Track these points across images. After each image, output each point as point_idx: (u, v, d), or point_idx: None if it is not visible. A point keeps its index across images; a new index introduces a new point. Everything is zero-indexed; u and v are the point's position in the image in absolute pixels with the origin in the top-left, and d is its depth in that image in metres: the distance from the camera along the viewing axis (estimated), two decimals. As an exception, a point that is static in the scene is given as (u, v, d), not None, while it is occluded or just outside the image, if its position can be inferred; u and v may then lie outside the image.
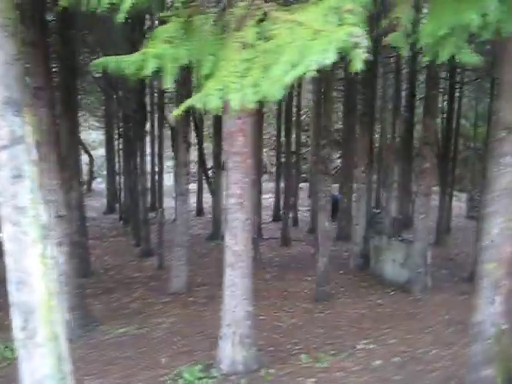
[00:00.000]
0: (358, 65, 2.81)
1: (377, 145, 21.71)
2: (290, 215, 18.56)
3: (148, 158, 21.02)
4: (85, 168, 31.00)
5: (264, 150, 27.64)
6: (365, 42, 2.78)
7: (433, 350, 7.31)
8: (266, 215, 21.83)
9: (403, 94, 18.74)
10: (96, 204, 26.34)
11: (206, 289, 11.13)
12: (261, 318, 9.06)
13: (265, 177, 29.37)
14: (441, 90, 16.01)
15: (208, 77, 3.29)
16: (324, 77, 9.48)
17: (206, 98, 2.97)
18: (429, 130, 9.63)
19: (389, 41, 3.89)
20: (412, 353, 7.24)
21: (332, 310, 9.37)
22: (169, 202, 21.16)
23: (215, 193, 16.50)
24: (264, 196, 24.23)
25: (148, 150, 18.79)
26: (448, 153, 17.09)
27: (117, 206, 23.69)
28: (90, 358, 7.40)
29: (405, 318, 8.84)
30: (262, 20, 3.31)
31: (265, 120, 22.53)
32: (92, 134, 31.90)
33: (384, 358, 7.07)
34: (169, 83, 3.48)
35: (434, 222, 16.25)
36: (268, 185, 27.39)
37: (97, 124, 28.92)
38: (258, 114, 14.76)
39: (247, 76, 2.98)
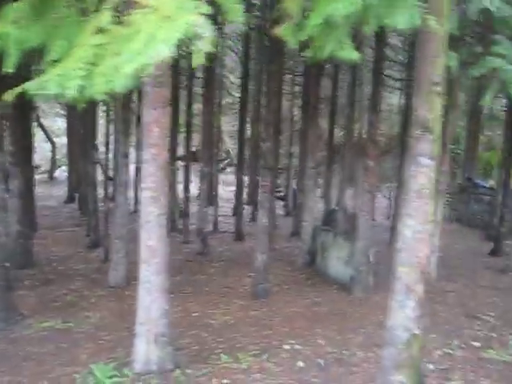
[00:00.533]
0: (198, 58, 2.58)
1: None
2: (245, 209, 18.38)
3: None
4: (48, 156, 30.48)
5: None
6: (209, 32, 2.55)
7: (359, 352, 7.18)
8: (228, 208, 21.64)
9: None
10: (58, 193, 25.85)
11: (148, 282, 10.86)
12: (194, 314, 8.91)
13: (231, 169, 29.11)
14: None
15: (56, 62, 3.05)
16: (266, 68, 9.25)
17: (44, 84, 2.72)
18: (373, 126, 9.47)
19: (278, 33, 3.66)
20: (338, 354, 7.09)
21: (268, 308, 9.18)
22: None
23: (172, 184, 16.17)
24: (230, 188, 24.12)
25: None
26: (405, 151, 16.92)
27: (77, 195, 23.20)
28: (7, 354, 7.09)
29: (340, 318, 8.70)
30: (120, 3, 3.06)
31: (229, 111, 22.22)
32: (57, 122, 31.23)
33: (308, 359, 6.92)
34: (10, 67, 3.21)
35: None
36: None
37: (62, 112, 28.31)
38: (209, 106, 14.46)
39: (98, 63, 2.74)
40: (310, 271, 11.97)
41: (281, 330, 8.10)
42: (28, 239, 11.73)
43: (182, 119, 18.93)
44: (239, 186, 20.07)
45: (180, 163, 24.84)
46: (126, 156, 10.01)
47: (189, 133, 16.74)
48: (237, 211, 19.63)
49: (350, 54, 3.43)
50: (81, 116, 15.90)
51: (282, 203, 22.89)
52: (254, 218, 19.40)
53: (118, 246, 10.24)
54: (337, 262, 10.98)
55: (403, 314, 5.29)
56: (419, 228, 5.11)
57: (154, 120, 5.87)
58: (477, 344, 7.54)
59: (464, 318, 8.81)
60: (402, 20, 3.30)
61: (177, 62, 12.58)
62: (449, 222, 20.85)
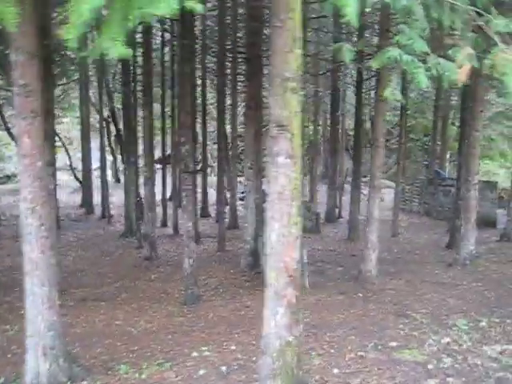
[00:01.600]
0: None
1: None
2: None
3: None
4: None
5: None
6: None
7: (269, 358, 6.95)
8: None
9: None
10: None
11: (85, 290, 10.71)
12: (117, 323, 8.75)
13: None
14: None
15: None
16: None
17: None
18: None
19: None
20: (245, 361, 6.89)
21: (194, 314, 8.99)
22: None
23: (128, 189, 15.96)
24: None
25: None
26: (359, 146, 16.73)
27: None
28: None
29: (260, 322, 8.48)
30: None
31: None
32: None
33: (212, 366, 6.71)
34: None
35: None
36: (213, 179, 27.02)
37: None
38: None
39: None
40: (252, 273, 11.77)
41: (198, 337, 7.92)
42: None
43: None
44: (204, 187, 19.97)
45: (157, 166, 24.79)
46: (51, 164, 9.77)
47: (164, 135, 16.55)
48: (207, 213, 19.56)
49: (121, 51, 3.21)
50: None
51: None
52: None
53: (48, 255, 10.00)
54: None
55: (274, 321, 5.08)
56: (284, 231, 4.91)
57: (24, 130, 5.67)
58: (394, 344, 7.31)
59: (393, 316, 8.58)
60: (163, 6, 3.06)
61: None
62: (418, 215, 20.72)
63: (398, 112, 24.12)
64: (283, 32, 4.64)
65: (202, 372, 6.54)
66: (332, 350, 7.18)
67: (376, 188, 10.53)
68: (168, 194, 19.26)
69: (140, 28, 12.09)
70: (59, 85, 20.56)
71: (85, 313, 9.17)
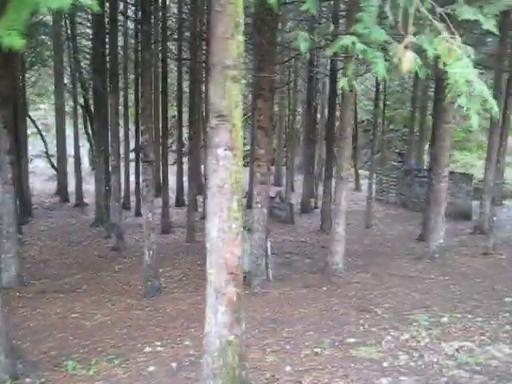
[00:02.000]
0: None
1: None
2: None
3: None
4: None
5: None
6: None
7: (224, 353, 6.78)
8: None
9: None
10: None
11: (46, 282, 10.47)
12: (73, 316, 8.55)
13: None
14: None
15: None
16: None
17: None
18: (262, 113, 9.01)
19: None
20: (198, 357, 6.64)
21: (153, 307, 8.80)
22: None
23: (98, 177, 15.64)
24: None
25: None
26: (332, 136, 16.52)
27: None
28: None
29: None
30: None
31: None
32: None
33: (162, 363, 6.54)
34: None
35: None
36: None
37: None
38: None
39: None
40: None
41: (153, 331, 7.74)
42: None
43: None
44: (180, 176, 19.68)
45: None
46: (8, 153, 9.48)
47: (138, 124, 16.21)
48: (181, 202, 19.28)
49: (13, 41, 2.97)
50: None
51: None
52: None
53: (7, 246, 9.75)
54: (245, 255, 10.56)
55: (215, 319, 4.89)
56: (224, 226, 4.70)
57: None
58: (352, 340, 7.18)
59: (355, 311, 8.46)
60: (56, 1, 2.85)
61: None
62: (395, 206, 20.64)
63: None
64: (223, 17, 4.42)
65: (151, 368, 6.38)
66: (288, 347, 7.04)
67: (343, 179, 10.35)
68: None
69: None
70: (31, 70, 20.21)
71: (42, 305, 8.94)
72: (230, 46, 4.46)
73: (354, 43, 5.26)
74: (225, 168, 4.60)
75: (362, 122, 28.86)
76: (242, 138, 4.69)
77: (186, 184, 17.93)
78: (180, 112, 19.05)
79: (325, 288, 9.75)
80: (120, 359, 6.63)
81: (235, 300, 4.88)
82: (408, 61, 3.96)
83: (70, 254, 12.81)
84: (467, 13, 5.94)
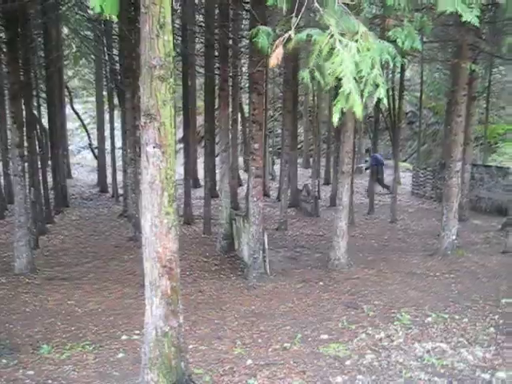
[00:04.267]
0: None
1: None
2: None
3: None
4: None
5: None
6: None
7: (200, 345, 6.96)
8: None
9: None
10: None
11: (58, 269, 10.94)
12: (69, 302, 8.92)
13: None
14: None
15: None
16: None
17: None
18: (257, 107, 9.04)
19: None
20: (168, 347, 6.88)
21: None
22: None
23: (125, 170, 16.12)
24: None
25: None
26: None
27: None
28: None
29: (209, 308, 8.48)
30: None
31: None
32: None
33: (133, 350, 6.80)
34: None
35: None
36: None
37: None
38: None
39: None
40: (226, 257, 11.74)
41: (137, 320, 7.89)
42: None
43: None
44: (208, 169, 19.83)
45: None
46: (19, 146, 9.95)
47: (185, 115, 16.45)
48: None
49: None
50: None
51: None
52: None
53: (18, 235, 10.26)
54: (246, 247, 10.69)
55: (150, 310, 5.05)
56: (156, 221, 4.84)
57: None
58: (325, 337, 7.19)
59: (341, 308, 8.42)
60: None
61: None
62: (430, 200, 20.12)
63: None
64: (148, 18, 4.52)
65: (120, 355, 6.64)
66: (260, 340, 7.13)
67: (345, 174, 10.24)
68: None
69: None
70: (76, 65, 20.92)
71: (45, 292, 9.37)
72: (156, 45, 4.56)
73: (309, 35, 5.20)
74: (154, 165, 4.72)
75: (407, 113, 28.16)
76: (172, 135, 4.79)
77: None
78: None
79: (321, 283, 9.72)
80: (94, 345, 6.92)
81: (170, 293, 5.01)
82: (275, 56, 3.96)
83: (89, 244, 13.31)
84: (448, 4, 5.81)
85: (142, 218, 5.00)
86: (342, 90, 3.91)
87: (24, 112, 10.77)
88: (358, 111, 4.07)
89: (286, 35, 4.07)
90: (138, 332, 7.41)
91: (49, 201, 15.76)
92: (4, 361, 6.44)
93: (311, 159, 25.47)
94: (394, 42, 6.26)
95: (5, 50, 10.26)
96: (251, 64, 8.99)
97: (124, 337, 7.29)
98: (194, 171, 21.37)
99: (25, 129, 10.68)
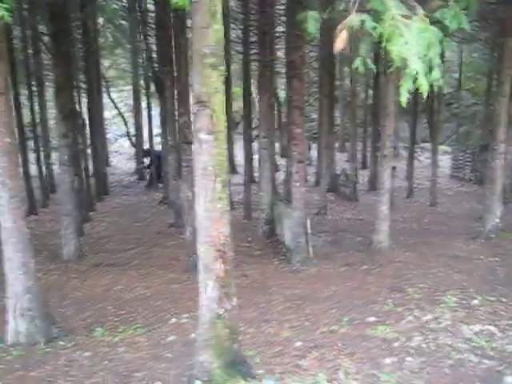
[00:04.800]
0: None
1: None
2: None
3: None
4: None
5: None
6: None
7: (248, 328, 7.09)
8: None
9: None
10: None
11: (103, 256, 11.20)
12: (117, 287, 9.13)
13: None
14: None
15: None
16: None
17: None
18: (298, 93, 9.07)
19: None
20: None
21: (191, 281, 9.15)
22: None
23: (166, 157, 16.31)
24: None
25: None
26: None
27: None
28: None
29: (255, 292, 8.61)
30: None
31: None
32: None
33: (183, 334, 6.98)
34: None
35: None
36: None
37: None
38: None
39: None
40: (268, 241, 11.85)
41: (184, 304, 8.16)
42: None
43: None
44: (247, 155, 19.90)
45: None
46: (66, 136, 10.21)
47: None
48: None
49: None
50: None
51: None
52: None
53: (65, 223, 10.56)
54: (288, 232, 10.77)
55: (205, 294, 5.19)
56: (209, 206, 4.96)
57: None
58: (372, 319, 7.24)
59: (386, 291, 8.43)
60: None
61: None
62: (470, 183, 19.85)
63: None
64: (200, 7, 4.60)
65: (171, 338, 6.82)
66: (307, 323, 7.21)
67: (387, 157, 10.20)
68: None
69: None
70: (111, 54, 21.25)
71: (93, 278, 9.63)
72: (207, 34, 4.64)
73: (362, 21, 5.23)
74: (207, 151, 4.83)
75: (444, 95, 27.68)
76: (223, 122, 4.88)
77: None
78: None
79: (365, 267, 9.75)
80: (146, 329, 7.12)
81: (223, 276, 5.14)
82: (341, 40, 3.98)
83: (131, 230, 13.58)
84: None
85: (195, 203, 5.11)
86: (408, 71, 3.92)
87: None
88: (425, 92, 4.09)
89: (349, 19, 4.08)
90: (186, 316, 7.61)
91: (90, 189, 16.12)
92: (61, 343, 6.71)
93: (347, 143, 25.45)
94: (439, 22, 6.23)
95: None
96: (291, 49, 9.00)
97: (173, 320, 7.47)
98: (230, 157, 21.49)
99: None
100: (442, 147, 26.72)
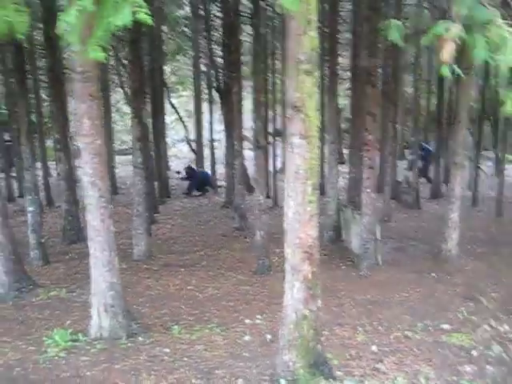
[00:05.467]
0: None
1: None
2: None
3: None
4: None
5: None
6: None
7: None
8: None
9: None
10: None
11: (172, 257, 11.50)
12: (188, 287, 9.38)
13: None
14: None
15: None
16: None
17: None
18: (372, 99, 9.12)
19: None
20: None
21: (261, 284, 9.38)
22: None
23: (228, 162, 16.63)
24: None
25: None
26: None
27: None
28: (8, 317, 8.03)
29: (325, 295, 8.50)
30: None
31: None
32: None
33: (258, 334, 7.11)
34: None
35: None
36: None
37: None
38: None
39: None
40: (333, 247, 11.89)
41: (256, 306, 8.32)
42: (75, 216, 12.77)
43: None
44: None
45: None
46: (139, 140, 10.57)
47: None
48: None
49: (97, 54, 3.63)
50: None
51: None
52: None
53: (136, 223, 10.92)
54: (356, 238, 10.79)
55: (291, 294, 5.30)
56: (299, 209, 5.08)
57: (84, 112, 6.31)
58: (446, 327, 7.21)
59: (459, 299, 8.37)
60: (120, 18, 3.48)
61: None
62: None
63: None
64: (296, 14, 4.74)
65: (247, 338, 6.96)
66: (380, 328, 7.25)
67: (457, 165, 10.10)
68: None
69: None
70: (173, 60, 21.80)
71: (164, 277, 9.90)
72: (303, 41, 4.78)
73: (446, 29, 5.26)
74: (299, 155, 4.96)
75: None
76: (316, 127, 5.01)
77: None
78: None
79: (434, 274, 9.68)
80: (221, 328, 7.29)
81: (310, 277, 5.24)
82: (448, 51, 4.02)
83: (196, 233, 13.86)
84: None
85: (284, 206, 5.25)
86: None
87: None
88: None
89: (455, 30, 4.14)
90: (259, 317, 7.75)
91: (154, 191, 16.55)
92: (140, 338, 6.95)
93: (406, 151, 25.14)
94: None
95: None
96: (366, 56, 9.07)
97: (247, 321, 7.61)
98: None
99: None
100: (507, 156, 26.00)
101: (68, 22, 4.01)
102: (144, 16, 3.75)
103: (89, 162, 6.46)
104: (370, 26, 8.85)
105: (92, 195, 6.57)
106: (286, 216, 5.22)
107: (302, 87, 4.84)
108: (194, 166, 22.02)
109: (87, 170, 6.51)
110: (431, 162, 20.29)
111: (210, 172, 21.43)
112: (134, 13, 3.88)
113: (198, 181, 20.29)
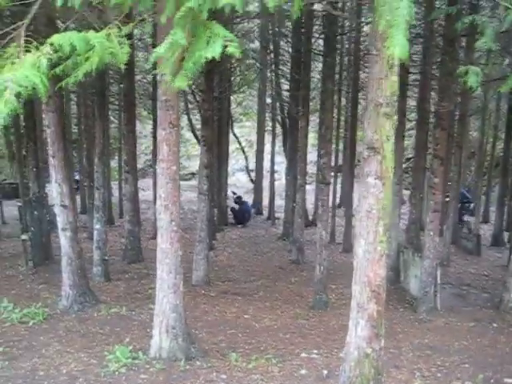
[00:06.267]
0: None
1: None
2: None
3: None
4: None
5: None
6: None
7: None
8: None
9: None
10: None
11: (229, 284, 11.67)
12: (245, 316, 9.52)
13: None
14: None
15: None
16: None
17: None
18: (440, 143, 9.11)
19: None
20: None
21: (318, 319, 9.39)
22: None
23: (288, 195, 16.80)
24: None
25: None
26: None
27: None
28: (72, 329, 8.37)
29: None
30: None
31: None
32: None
33: (314, 368, 7.12)
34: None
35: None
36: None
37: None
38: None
39: None
40: (392, 287, 11.73)
41: (313, 340, 8.33)
42: (136, 237, 13.18)
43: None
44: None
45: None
46: (207, 167, 10.87)
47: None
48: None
49: (182, 83, 3.90)
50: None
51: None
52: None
53: (198, 249, 11.16)
54: (415, 281, 10.67)
55: (355, 332, 5.34)
56: (369, 248, 5.15)
57: (163, 139, 6.61)
58: (509, 381, 7.00)
59: (524, 352, 8.12)
60: (211, 50, 3.76)
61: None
62: None
63: None
64: (379, 60, 4.89)
65: (303, 371, 6.99)
66: (439, 375, 7.12)
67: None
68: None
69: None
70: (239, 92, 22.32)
71: (221, 304, 10.06)
72: (384, 85, 4.91)
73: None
74: (373, 195, 5.05)
75: None
76: (392, 169, 5.10)
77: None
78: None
79: (495, 325, 9.43)
80: (277, 359, 7.34)
81: (375, 316, 5.28)
82: None
83: (253, 263, 14.01)
84: None
85: (355, 244, 5.33)
86: None
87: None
88: None
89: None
90: (315, 351, 7.77)
91: (213, 218, 16.84)
92: (198, 362, 7.08)
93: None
94: None
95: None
96: (439, 100, 9.12)
97: (303, 354, 7.64)
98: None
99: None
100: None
101: (160, 54, 4.31)
102: (234, 50, 3.98)
103: (163, 186, 6.72)
104: (443, 69, 8.91)
105: (164, 219, 6.82)
106: (356, 254, 5.29)
107: (381, 130, 4.96)
108: (242, 196, 22.42)
109: (161, 193, 6.77)
110: (467, 209, 19.96)
111: (250, 202, 22.08)
112: (224, 46, 4.13)
113: (240, 213, 20.65)
